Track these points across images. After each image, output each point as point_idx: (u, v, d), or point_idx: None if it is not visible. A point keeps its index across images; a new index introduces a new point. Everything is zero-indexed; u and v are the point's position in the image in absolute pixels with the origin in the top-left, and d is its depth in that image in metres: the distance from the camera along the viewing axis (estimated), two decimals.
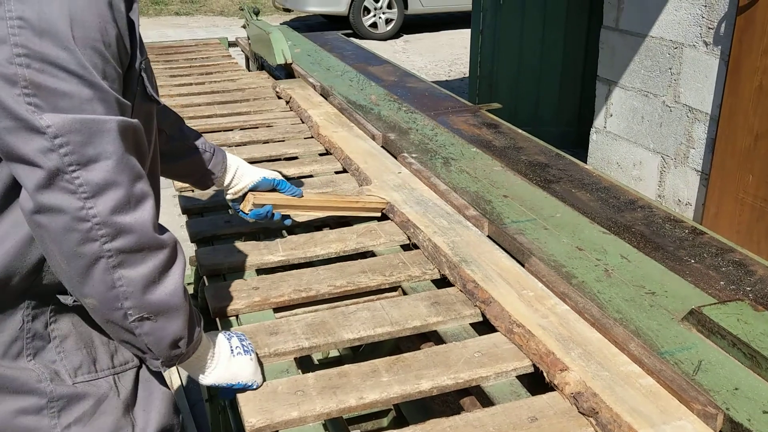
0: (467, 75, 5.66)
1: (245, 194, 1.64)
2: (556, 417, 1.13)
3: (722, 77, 3.29)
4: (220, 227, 1.83)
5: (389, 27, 9.87)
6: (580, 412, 1.13)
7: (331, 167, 2.22)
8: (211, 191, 2.05)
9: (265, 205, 1.64)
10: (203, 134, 1.62)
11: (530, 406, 1.16)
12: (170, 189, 2.10)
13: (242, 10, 4.09)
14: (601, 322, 1.31)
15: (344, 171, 2.19)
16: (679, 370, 1.19)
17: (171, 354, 1.06)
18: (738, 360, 1.20)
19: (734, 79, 3.23)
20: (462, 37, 8.11)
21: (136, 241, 0.96)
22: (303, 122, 2.61)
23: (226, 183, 1.62)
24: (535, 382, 1.25)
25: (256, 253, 1.66)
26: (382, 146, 2.33)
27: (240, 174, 1.63)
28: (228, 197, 1.66)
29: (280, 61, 3.09)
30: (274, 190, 1.68)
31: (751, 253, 1.63)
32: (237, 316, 1.46)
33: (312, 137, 2.46)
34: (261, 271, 1.66)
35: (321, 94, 2.88)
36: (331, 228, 1.84)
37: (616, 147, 4.08)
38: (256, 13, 3.73)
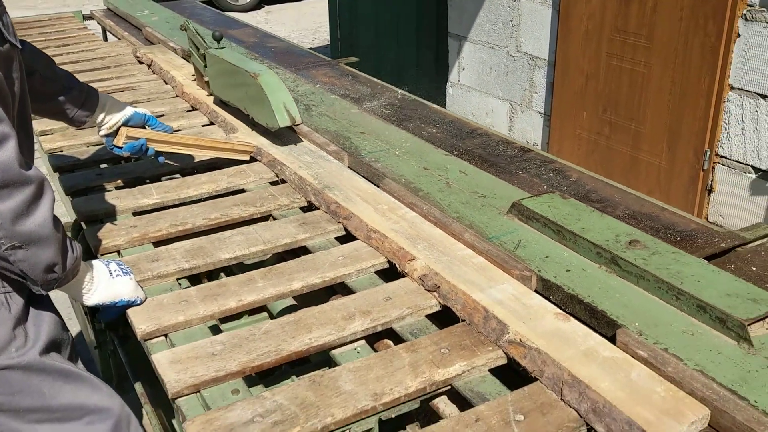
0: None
1: (118, 129, 1.74)
2: (407, 295, 1.34)
3: (555, 25, 3.65)
4: (92, 180, 1.90)
5: None
6: (426, 289, 1.35)
7: (198, 121, 2.32)
8: (80, 150, 2.11)
9: (138, 138, 1.74)
10: None
11: (385, 290, 1.37)
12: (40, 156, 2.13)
13: (185, 30, 2.44)
14: (442, 221, 1.54)
15: (211, 124, 2.30)
16: (504, 248, 1.44)
17: (47, 278, 1.16)
18: (548, 236, 1.47)
19: (565, 26, 3.59)
20: (324, 6, 8.20)
21: (0, 178, 1.04)
22: (167, 84, 2.68)
23: (99, 119, 1.71)
24: (391, 275, 1.46)
25: (131, 198, 1.76)
26: None
27: (112, 109, 1.72)
28: (101, 133, 1.75)
29: (284, 123, 1.95)
30: (144, 127, 1.78)
31: (569, 162, 1.92)
32: (118, 252, 1.56)
33: (177, 96, 2.54)
34: (137, 213, 1.76)
35: (183, 57, 2.95)
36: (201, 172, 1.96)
37: (470, 98, 4.40)
38: (218, 39, 2.23)
